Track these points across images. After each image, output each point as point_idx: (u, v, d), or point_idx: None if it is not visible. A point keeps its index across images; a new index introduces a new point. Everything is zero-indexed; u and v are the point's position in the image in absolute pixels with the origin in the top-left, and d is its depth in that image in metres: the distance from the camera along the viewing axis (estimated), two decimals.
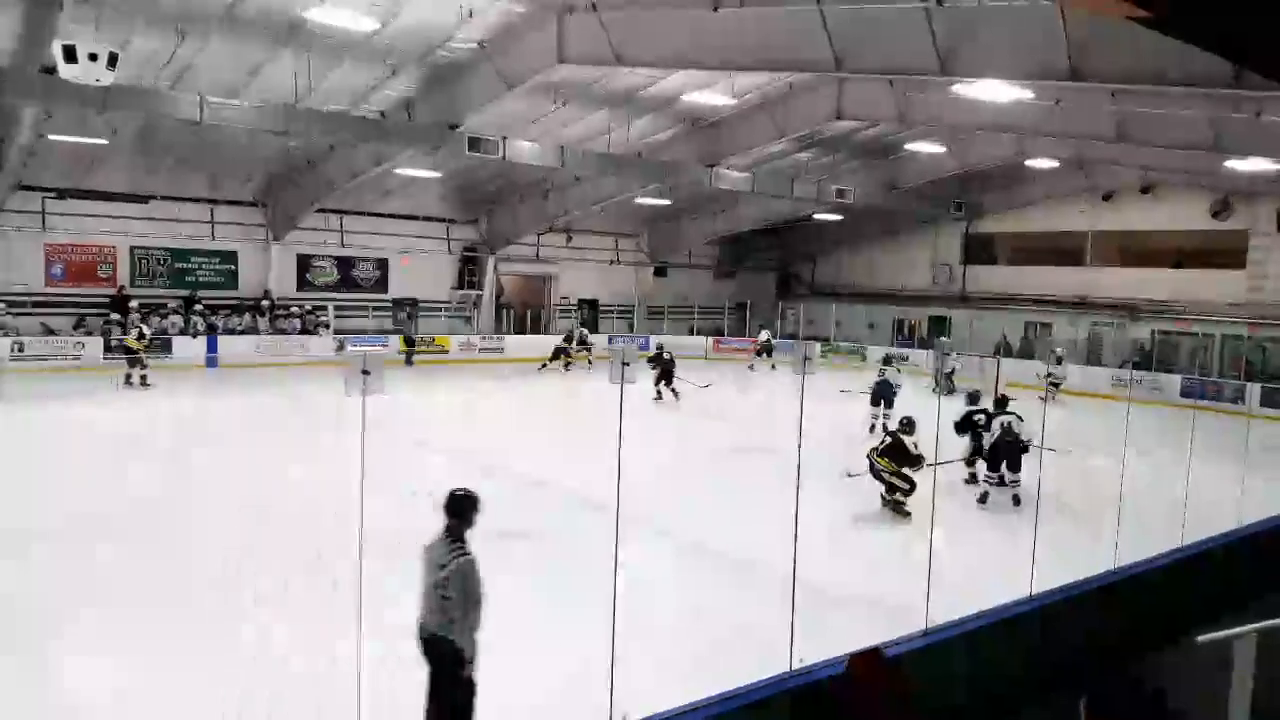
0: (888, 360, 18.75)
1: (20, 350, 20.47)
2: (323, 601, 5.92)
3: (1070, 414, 18.11)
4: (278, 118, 16.34)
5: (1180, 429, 11.14)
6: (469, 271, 29.01)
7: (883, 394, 16.03)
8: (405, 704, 4.84)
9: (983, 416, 11.68)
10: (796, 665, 4.66)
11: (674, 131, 21.62)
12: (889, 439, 10.83)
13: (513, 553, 7.68)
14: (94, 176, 21.83)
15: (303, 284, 26.24)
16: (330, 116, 17.52)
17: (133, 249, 23.40)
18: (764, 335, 28.50)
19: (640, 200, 26.86)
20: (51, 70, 12.54)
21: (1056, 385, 21.00)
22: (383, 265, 27.62)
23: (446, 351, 26.44)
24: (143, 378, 18.87)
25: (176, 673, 5.97)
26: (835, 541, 8.82)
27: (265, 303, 25.11)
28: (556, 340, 26.20)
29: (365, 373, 4.13)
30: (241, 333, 24.08)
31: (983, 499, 11.31)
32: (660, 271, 33.81)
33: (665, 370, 19.44)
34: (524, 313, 30.36)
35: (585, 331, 27.09)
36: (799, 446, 5.22)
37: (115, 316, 22.18)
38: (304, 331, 25.05)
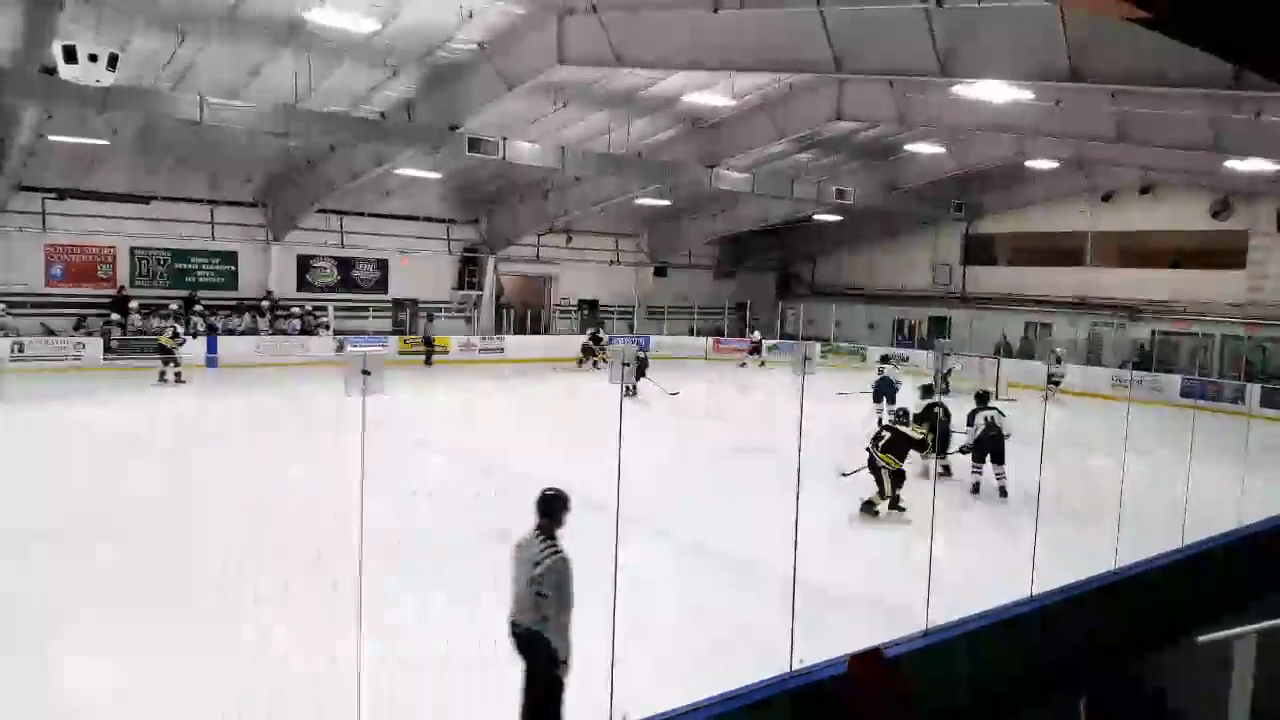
0: (886, 359, 18.78)
1: (20, 351, 20.48)
2: (323, 601, 5.93)
3: (1070, 414, 18.12)
4: (278, 118, 16.35)
5: (1180, 429, 11.10)
6: (469, 272, 29.04)
7: (884, 390, 16.07)
8: (405, 704, 4.84)
9: (940, 410, 11.73)
10: (797, 665, 4.66)
11: (674, 132, 21.63)
12: (888, 434, 10.76)
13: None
14: (94, 177, 21.84)
15: (303, 284, 26.26)
16: (330, 117, 17.53)
17: (133, 249, 23.43)
18: (755, 335, 30.19)
19: (640, 201, 26.87)
20: (52, 70, 12.55)
21: (1057, 383, 21.18)
22: (383, 266, 27.65)
23: (447, 351, 26.47)
24: (177, 374, 19.65)
25: (176, 673, 5.97)
26: (835, 541, 8.82)
27: (265, 303, 25.13)
28: (583, 339, 27.20)
29: (365, 373, 4.13)
30: (242, 333, 24.10)
31: (975, 489, 11.76)
32: (660, 272, 33.84)
33: (639, 368, 19.61)
34: (524, 313, 30.39)
35: (601, 331, 28.12)
36: (799, 447, 5.22)
37: (115, 317, 22.23)
38: (304, 332, 25.07)
